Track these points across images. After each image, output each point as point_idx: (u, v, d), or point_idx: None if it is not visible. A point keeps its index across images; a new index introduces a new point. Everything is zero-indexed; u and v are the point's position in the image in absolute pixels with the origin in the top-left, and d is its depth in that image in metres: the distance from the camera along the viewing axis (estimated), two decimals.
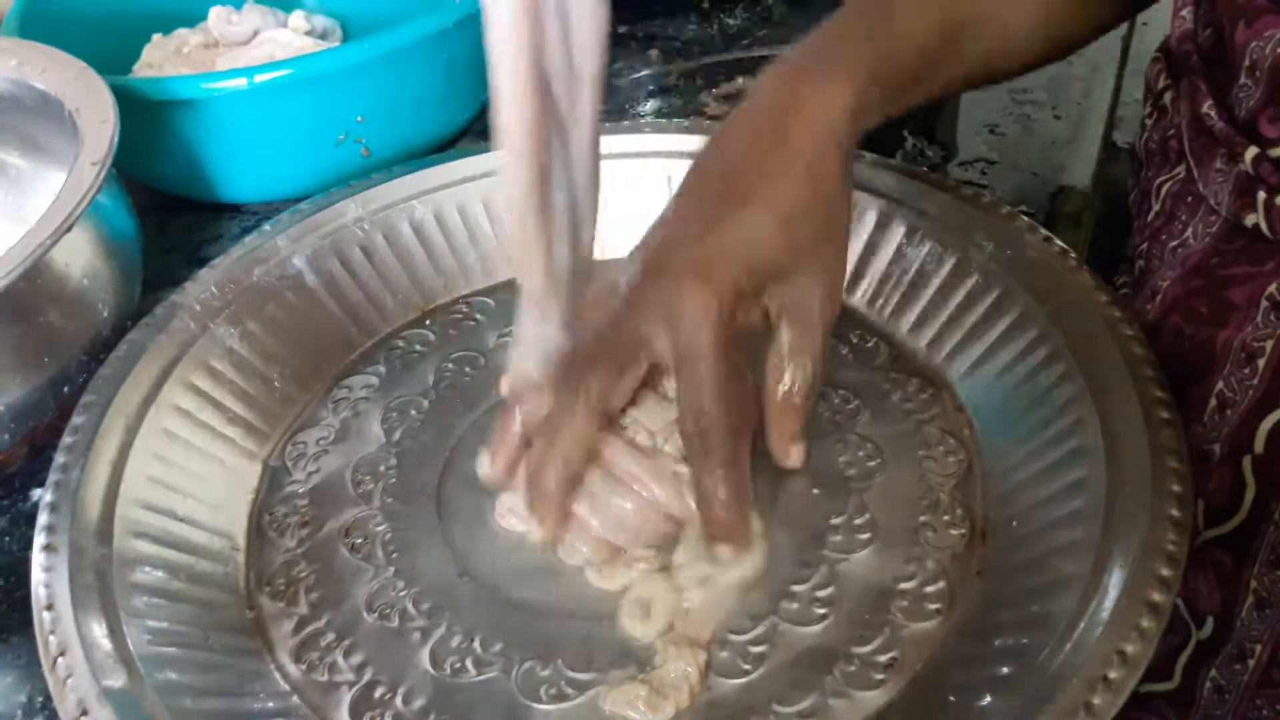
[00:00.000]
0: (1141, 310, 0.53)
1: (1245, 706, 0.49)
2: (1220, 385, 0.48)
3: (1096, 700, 0.34)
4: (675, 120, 0.66)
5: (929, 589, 0.43)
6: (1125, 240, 0.61)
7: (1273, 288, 0.46)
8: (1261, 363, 0.46)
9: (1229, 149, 0.48)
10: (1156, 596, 0.36)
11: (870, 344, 0.55)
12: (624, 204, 0.57)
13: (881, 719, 0.39)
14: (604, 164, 0.63)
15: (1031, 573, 0.41)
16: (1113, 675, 0.34)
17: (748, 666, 0.41)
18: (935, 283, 0.54)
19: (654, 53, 0.88)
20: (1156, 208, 0.55)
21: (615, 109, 0.81)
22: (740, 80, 0.82)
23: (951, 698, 0.37)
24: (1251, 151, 0.46)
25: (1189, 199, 0.52)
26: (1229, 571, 0.49)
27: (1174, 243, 0.52)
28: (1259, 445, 0.47)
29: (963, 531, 0.45)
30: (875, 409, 0.51)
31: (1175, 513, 0.39)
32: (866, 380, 0.53)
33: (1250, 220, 0.47)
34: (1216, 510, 0.49)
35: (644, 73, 0.85)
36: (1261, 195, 0.46)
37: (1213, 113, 0.49)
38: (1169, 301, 0.52)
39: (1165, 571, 0.37)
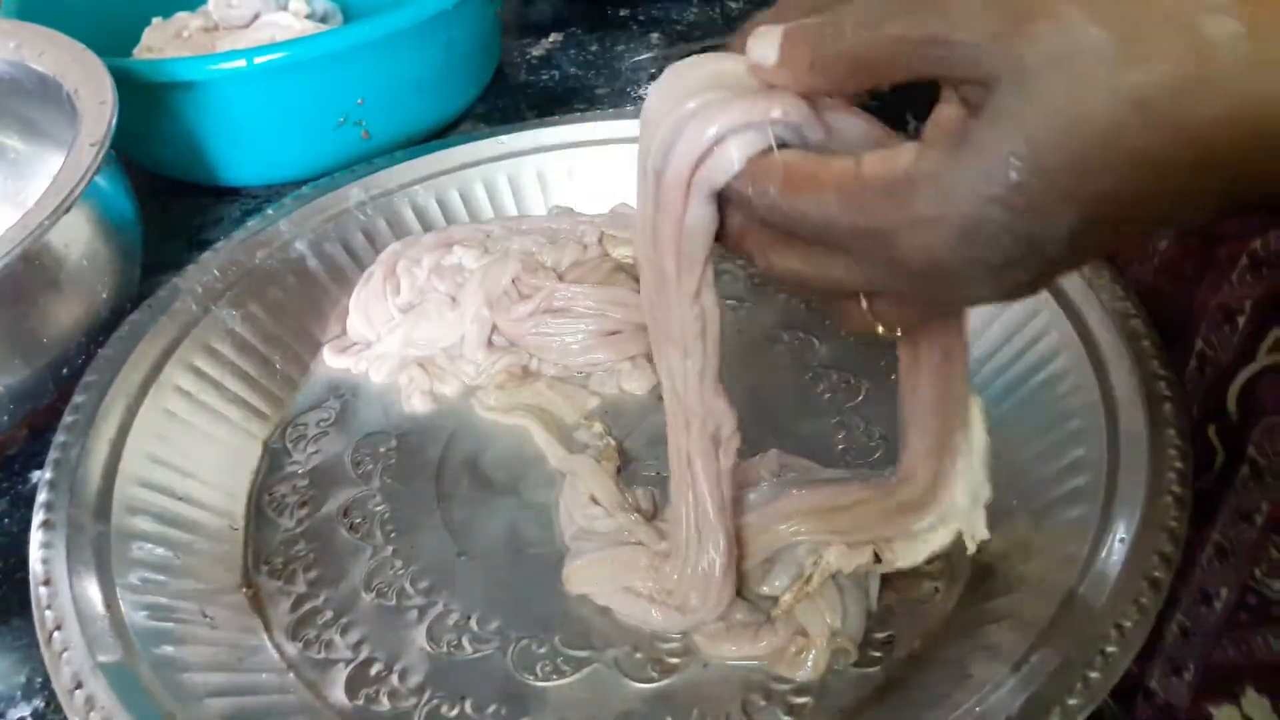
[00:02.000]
0: (1142, 275, 0.52)
1: (1210, 647, 0.49)
2: (1200, 344, 0.48)
3: (1094, 674, 0.34)
4: None
5: (927, 567, 0.42)
6: None
7: (1256, 244, 0.46)
8: (1241, 320, 0.46)
9: None
10: (1158, 573, 0.36)
11: None
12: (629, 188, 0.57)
13: (880, 695, 0.39)
14: (605, 149, 0.63)
15: (1031, 551, 0.41)
16: (1110, 650, 0.34)
17: None
18: None
19: (656, 36, 0.87)
20: None
21: (616, 92, 0.81)
22: None
23: (948, 674, 0.37)
24: None
25: None
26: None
27: None
28: (1231, 405, 0.46)
29: None
30: (876, 389, 0.51)
31: (1176, 489, 0.38)
32: (867, 361, 0.53)
33: None
34: None
35: (645, 56, 0.85)
36: None
37: None
38: (1162, 264, 0.51)
39: (1167, 547, 0.37)
